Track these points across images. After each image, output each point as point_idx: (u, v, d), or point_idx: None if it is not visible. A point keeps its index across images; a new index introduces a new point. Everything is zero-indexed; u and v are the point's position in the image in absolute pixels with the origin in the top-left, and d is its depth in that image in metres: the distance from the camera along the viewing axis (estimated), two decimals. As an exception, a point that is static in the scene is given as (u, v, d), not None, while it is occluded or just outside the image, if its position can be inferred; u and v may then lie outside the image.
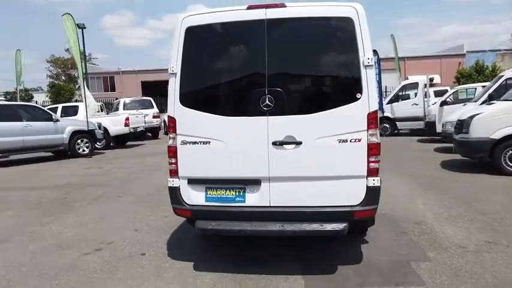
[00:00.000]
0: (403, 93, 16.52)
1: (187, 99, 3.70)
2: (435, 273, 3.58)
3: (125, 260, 4.11)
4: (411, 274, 3.60)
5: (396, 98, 16.32)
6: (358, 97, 3.48)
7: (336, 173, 3.54)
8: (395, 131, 16.42)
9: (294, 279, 3.54)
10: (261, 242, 4.28)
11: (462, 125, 8.19)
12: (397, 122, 16.14)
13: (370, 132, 3.49)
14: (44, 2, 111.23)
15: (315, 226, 3.49)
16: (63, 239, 4.83)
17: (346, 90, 3.57)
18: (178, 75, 3.69)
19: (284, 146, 3.54)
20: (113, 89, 54.74)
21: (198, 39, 3.70)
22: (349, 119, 3.50)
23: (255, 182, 3.63)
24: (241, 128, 3.60)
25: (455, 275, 3.53)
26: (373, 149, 3.51)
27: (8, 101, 34.55)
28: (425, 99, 15.19)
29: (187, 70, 3.70)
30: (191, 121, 3.69)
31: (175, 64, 3.68)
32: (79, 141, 13.57)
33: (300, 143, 3.53)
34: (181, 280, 3.61)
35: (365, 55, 3.45)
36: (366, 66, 3.46)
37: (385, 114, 16.09)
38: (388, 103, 16.32)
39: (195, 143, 3.69)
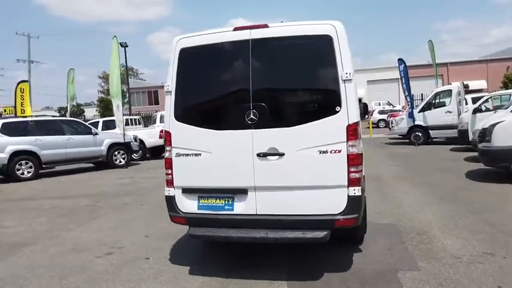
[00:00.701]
0: (437, 100, 16.07)
1: (181, 115, 4.02)
2: (419, 283, 3.61)
3: (129, 263, 4.45)
4: (394, 282, 3.65)
5: (428, 106, 15.90)
6: (337, 110, 3.64)
7: (317, 183, 3.69)
8: (429, 140, 16.00)
9: (278, 285, 3.71)
10: (256, 248, 4.49)
11: (485, 134, 7.97)
12: (430, 131, 15.71)
13: (349, 143, 3.63)
14: (96, 23, 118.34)
15: (296, 234, 3.66)
16: (81, 243, 5.28)
17: (326, 103, 3.74)
18: (173, 93, 4.03)
19: (268, 157, 3.75)
20: (157, 103, 56.97)
21: (190, 60, 4.02)
22: (329, 131, 3.66)
23: (242, 192, 3.86)
24: (228, 141, 3.86)
25: (439, 285, 3.55)
26: (353, 160, 3.64)
27: (61, 116, 37.02)
28: (460, 106, 14.71)
29: (181, 88, 4.02)
30: (184, 135, 4.00)
31: (170, 83, 4.03)
32: (116, 152, 14.41)
33: (283, 154, 3.73)
34: (175, 283, 3.88)
35: (343, 70, 3.62)
36: (344, 81, 3.62)
37: (417, 122, 15.74)
38: (420, 111, 15.94)
39: (187, 155, 3.98)
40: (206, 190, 3.96)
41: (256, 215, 3.83)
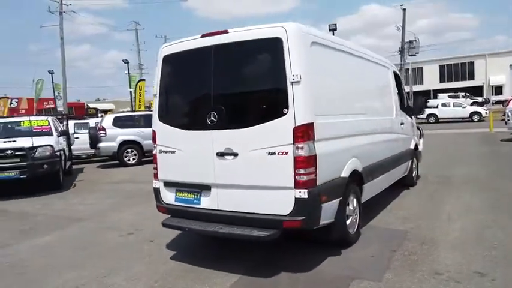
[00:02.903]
0: None
1: (162, 116, 4.49)
2: (364, 294, 3.45)
3: (137, 242, 5.15)
4: (338, 290, 3.55)
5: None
6: (284, 112, 3.66)
7: (267, 183, 3.79)
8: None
9: (231, 277, 3.91)
10: (234, 242, 4.70)
11: None
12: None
13: (296, 145, 3.63)
14: (231, 20, 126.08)
15: (243, 230, 3.83)
16: (116, 223, 6.20)
17: (274, 106, 3.78)
18: (157, 96, 4.52)
19: (225, 156, 3.97)
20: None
21: (169, 66, 4.45)
22: (277, 132, 3.71)
23: (207, 188, 4.16)
24: (194, 140, 4.19)
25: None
26: (299, 162, 3.63)
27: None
28: None
29: (162, 92, 4.50)
30: (164, 134, 4.47)
31: (156, 87, 4.53)
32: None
33: (237, 154, 3.91)
34: (156, 263, 4.40)
35: (291, 72, 3.62)
36: (292, 83, 3.63)
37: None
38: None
39: (166, 152, 4.44)
40: (180, 184, 4.37)
41: (218, 210, 4.10)
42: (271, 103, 3.89)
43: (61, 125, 14.26)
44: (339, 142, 4.26)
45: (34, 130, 10.36)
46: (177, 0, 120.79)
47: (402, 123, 6.76)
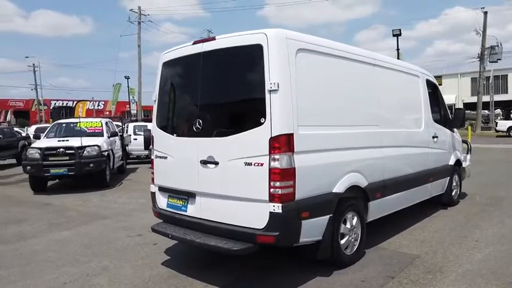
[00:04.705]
0: None
1: (158, 122, 4.55)
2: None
3: (140, 244, 5.26)
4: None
5: None
6: (262, 122, 3.51)
7: (243, 195, 3.66)
8: None
9: (208, 288, 3.84)
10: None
11: None
12: None
13: (272, 156, 3.46)
14: (306, 26, 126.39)
15: (217, 242, 3.72)
16: (134, 223, 6.40)
17: (253, 115, 3.64)
18: (156, 102, 4.59)
19: (207, 164, 3.91)
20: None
21: (167, 72, 4.50)
22: (254, 143, 3.57)
23: (192, 195, 4.12)
24: (182, 146, 4.19)
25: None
26: (275, 174, 3.45)
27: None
28: None
29: (160, 98, 4.55)
30: (159, 139, 4.52)
31: (155, 93, 4.60)
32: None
33: (217, 163, 3.82)
34: (145, 267, 4.45)
35: (270, 80, 3.47)
36: (270, 91, 3.47)
37: None
38: None
39: (161, 157, 4.49)
40: (171, 190, 4.38)
41: (199, 218, 4.04)
42: (250, 112, 3.75)
43: (122, 126, 15.29)
44: (332, 155, 3.99)
45: (88, 131, 11.20)
46: (254, 8, 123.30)
47: (435, 137, 6.15)
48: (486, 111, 39.41)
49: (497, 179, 9.83)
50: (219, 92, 4.02)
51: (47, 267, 4.55)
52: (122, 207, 7.87)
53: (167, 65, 4.47)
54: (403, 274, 4.05)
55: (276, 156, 3.44)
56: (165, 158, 4.41)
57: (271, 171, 3.46)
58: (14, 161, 16.11)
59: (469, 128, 21.51)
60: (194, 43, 4.14)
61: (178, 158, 4.24)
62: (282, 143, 3.45)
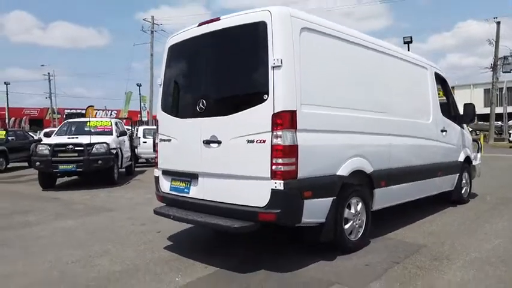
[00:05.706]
0: None
1: (163, 105, 4.56)
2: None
3: (144, 232, 5.24)
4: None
5: None
6: (264, 98, 3.50)
7: (246, 173, 3.63)
8: None
9: (209, 269, 3.79)
10: (234, 238, 4.56)
11: None
12: None
13: (274, 133, 3.43)
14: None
15: (218, 221, 3.69)
16: (139, 215, 6.38)
17: (256, 91, 3.63)
18: (161, 86, 4.61)
19: (210, 144, 3.89)
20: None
21: (173, 56, 4.53)
22: (256, 120, 3.55)
23: (195, 176, 4.10)
24: (185, 128, 4.18)
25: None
26: (277, 151, 3.42)
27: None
28: None
29: (165, 81, 4.57)
30: (164, 122, 4.53)
31: (161, 77, 4.62)
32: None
33: (220, 142, 3.81)
34: (147, 250, 4.42)
35: (273, 56, 3.46)
36: (273, 68, 3.46)
37: None
38: None
39: (164, 140, 4.49)
40: (174, 173, 4.37)
41: (202, 199, 4.01)
42: (254, 89, 3.73)
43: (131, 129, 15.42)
44: (337, 137, 3.94)
45: (98, 129, 11.31)
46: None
47: (444, 131, 6.06)
48: (499, 122, 38.85)
49: (510, 182, 9.62)
50: (224, 71, 4.02)
51: (50, 249, 4.55)
52: (129, 201, 7.88)
53: (173, 48, 4.50)
54: (409, 260, 3.95)
55: (279, 133, 3.41)
56: (169, 140, 4.41)
57: (274, 147, 3.43)
58: (25, 164, 16.18)
59: (482, 137, 21.22)
60: (199, 25, 4.16)
61: (182, 140, 4.23)
62: (285, 120, 3.42)
